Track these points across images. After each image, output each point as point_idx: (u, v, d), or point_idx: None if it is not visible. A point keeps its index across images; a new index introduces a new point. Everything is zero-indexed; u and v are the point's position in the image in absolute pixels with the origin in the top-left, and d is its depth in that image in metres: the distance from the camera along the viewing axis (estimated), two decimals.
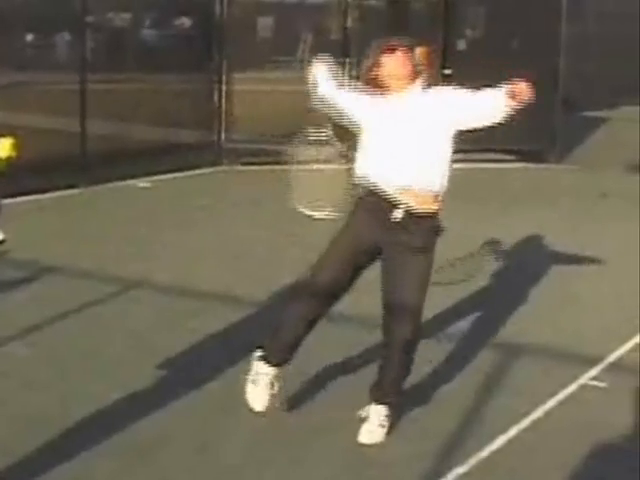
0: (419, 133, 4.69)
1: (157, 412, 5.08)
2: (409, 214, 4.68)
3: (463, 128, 4.76)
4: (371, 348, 5.72)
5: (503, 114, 4.67)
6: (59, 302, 6.89)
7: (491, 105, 4.67)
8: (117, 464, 4.55)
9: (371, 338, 5.68)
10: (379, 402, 4.89)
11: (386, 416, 4.88)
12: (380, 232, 4.72)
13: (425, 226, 4.73)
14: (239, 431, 4.95)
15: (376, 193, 4.71)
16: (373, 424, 4.86)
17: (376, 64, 4.77)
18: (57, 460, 4.49)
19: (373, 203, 4.73)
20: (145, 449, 4.71)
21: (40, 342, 6.14)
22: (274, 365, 4.92)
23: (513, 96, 4.54)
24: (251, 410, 4.94)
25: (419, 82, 4.77)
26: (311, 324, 4.90)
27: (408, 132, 4.70)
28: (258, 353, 4.95)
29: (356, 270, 4.85)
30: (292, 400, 5.19)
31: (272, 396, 4.93)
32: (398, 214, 4.68)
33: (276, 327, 4.97)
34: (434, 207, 4.75)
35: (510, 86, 4.56)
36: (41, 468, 4.42)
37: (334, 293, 4.84)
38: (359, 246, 4.78)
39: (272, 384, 4.91)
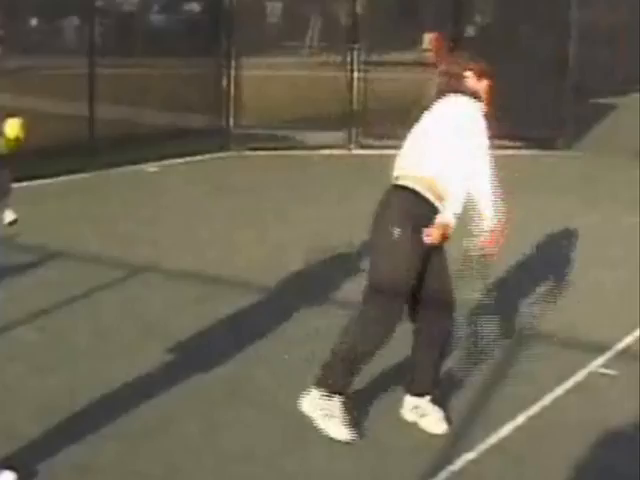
0: None
1: (164, 396, 5.09)
2: None
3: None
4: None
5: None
6: (67, 286, 6.90)
7: (482, 197, 4.83)
8: (123, 447, 4.56)
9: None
10: (424, 395, 4.91)
11: (435, 401, 4.92)
12: (427, 248, 4.75)
13: None
14: (245, 415, 4.95)
15: (426, 204, 4.70)
16: (433, 414, 4.88)
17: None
18: (64, 443, 4.51)
19: (421, 217, 4.69)
20: (151, 432, 4.72)
21: (48, 326, 6.16)
22: (342, 393, 4.77)
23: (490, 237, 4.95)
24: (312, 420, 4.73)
25: None
26: None
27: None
28: (321, 391, 4.73)
29: None
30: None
31: (349, 417, 4.77)
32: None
33: (349, 360, 4.71)
34: None
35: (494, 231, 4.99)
36: (48, 451, 4.43)
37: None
38: (418, 268, 4.76)
39: (345, 409, 4.75)
